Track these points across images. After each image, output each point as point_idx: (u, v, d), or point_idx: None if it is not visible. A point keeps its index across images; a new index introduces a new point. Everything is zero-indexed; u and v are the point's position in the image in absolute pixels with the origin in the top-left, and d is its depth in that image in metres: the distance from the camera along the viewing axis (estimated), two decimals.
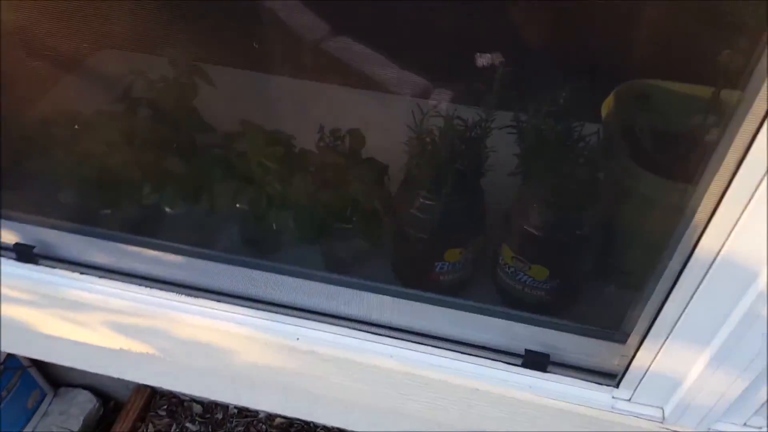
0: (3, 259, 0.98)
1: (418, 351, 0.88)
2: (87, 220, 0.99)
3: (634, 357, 0.79)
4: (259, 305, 0.92)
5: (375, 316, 0.89)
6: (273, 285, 0.92)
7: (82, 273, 0.96)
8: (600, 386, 0.84)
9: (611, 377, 0.84)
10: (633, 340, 0.79)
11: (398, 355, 0.88)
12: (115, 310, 0.95)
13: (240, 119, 0.95)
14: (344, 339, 0.90)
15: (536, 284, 0.84)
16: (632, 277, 0.77)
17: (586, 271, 0.84)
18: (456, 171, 0.77)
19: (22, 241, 0.97)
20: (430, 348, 0.87)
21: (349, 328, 0.90)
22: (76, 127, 0.90)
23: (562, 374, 0.85)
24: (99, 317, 0.97)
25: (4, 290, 0.98)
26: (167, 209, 0.95)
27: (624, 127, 0.76)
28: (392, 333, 0.89)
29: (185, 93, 0.97)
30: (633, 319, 0.78)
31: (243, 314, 0.93)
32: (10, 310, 1.00)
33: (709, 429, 0.81)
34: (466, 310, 0.85)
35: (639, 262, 0.74)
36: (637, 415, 0.83)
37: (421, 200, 0.81)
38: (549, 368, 0.84)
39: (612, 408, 0.84)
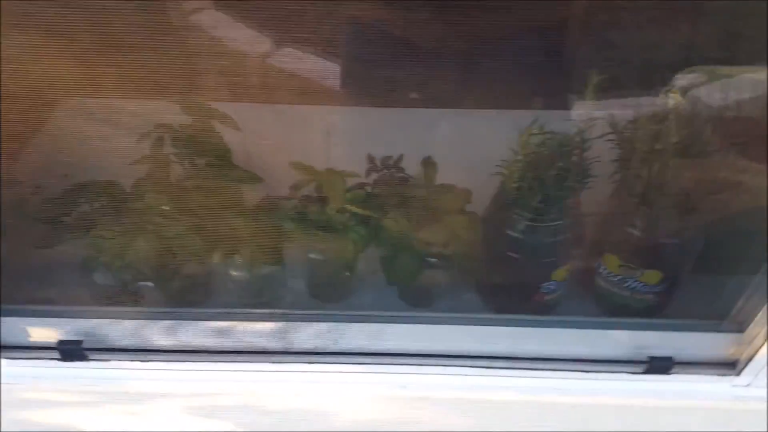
0: (43, 361, 0.85)
1: (535, 378, 0.84)
2: (131, 300, 0.88)
3: (759, 345, 0.78)
4: (354, 358, 0.85)
5: (484, 348, 0.84)
6: (361, 335, 0.86)
7: (143, 361, 0.85)
8: (720, 377, 0.84)
9: (730, 366, 0.83)
10: (755, 328, 0.79)
11: (515, 385, 0.84)
12: (189, 393, 0.85)
13: (288, 161, 0.86)
14: (454, 378, 0.85)
15: (646, 289, 0.82)
16: (747, 268, 0.76)
17: (696, 268, 0.83)
18: (563, 188, 0.73)
19: (66, 338, 0.84)
20: (547, 372, 0.84)
21: (458, 366, 0.85)
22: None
23: (682, 373, 0.84)
24: (171, 405, 0.86)
25: (50, 396, 0.85)
26: (233, 273, 0.85)
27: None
28: (506, 363, 0.84)
29: (216, 141, 0.87)
30: (754, 307, 0.78)
31: (337, 371, 0.85)
32: (60, 418, 0.88)
33: None
34: (579, 327, 0.82)
35: (755, 253, 0.74)
36: (758, 398, 0.84)
37: (527, 223, 0.76)
38: (671, 370, 0.83)
39: (733, 396, 0.84)
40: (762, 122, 0.78)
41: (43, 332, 0.85)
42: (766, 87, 0.77)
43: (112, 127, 0.86)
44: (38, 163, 0.81)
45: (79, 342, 0.84)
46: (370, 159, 0.88)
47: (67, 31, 0.73)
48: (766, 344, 0.79)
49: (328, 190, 0.78)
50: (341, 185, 0.78)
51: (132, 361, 0.85)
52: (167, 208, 0.78)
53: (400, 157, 0.89)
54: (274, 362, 0.86)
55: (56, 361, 0.85)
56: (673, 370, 0.83)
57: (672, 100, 0.73)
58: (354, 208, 0.77)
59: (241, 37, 0.83)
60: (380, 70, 0.86)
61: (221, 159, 0.86)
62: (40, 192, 0.80)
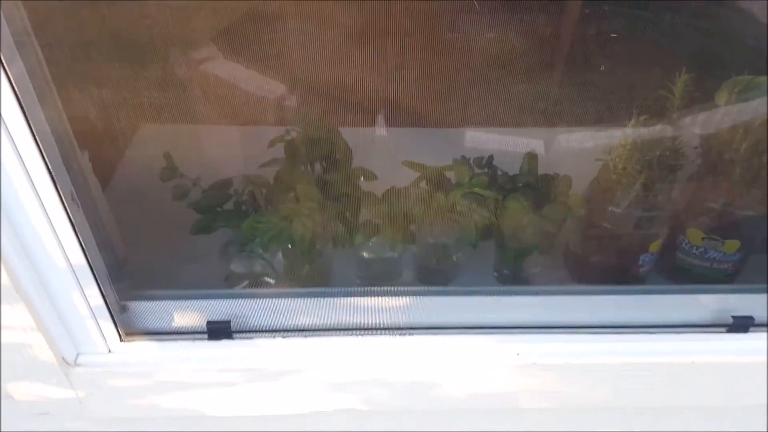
0: (189, 342, 0.92)
1: (632, 342, 0.95)
2: (270, 284, 0.96)
3: None
4: (471, 330, 0.95)
5: (588, 318, 0.95)
6: (478, 308, 0.96)
7: (284, 337, 0.93)
8: None
9: None
10: None
11: (617, 349, 0.95)
12: (321, 368, 0.93)
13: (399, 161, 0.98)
14: (563, 345, 0.95)
15: (725, 258, 0.95)
16: None
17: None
18: (668, 167, 0.86)
19: (213, 319, 0.91)
20: (643, 335, 0.95)
21: (566, 333, 0.95)
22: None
23: (758, 332, 0.96)
24: (308, 379, 0.94)
25: (194, 377, 0.92)
26: (365, 255, 0.95)
27: None
28: (608, 330, 0.95)
29: (343, 147, 0.98)
30: None
31: (458, 343, 0.95)
32: (203, 397, 0.94)
33: None
34: (670, 293, 0.95)
35: None
36: None
37: (632, 199, 0.89)
38: (750, 329, 0.95)
39: None
40: None
41: (190, 315, 0.92)
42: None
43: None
44: (198, 157, 0.91)
45: (228, 322, 0.92)
46: (464, 159, 1.01)
47: None
48: None
49: (458, 177, 0.89)
50: (467, 173, 0.90)
51: (274, 338, 0.93)
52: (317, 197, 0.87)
53: (491, 157, 1.02)
54: (400, 335, 0.94)
55: (203, 341, 0.92)
56: (752, 329, 0.96)
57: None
58: (481, 191, 0.88)
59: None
60: None
61: (347, 160, 0.97)
62: (198, 183, 0.89)
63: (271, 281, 0.95)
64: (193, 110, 0.95)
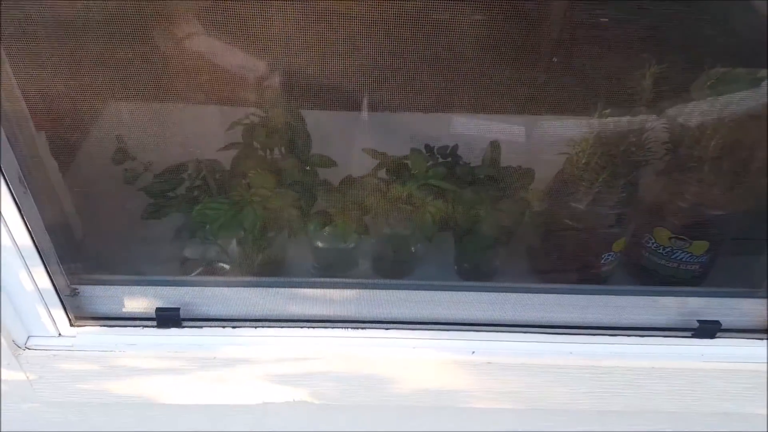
0: (138, 329, 0.91)
1: (593, 343, 0.92)
2: (225, 272, 0.95)
3: None
4: (428, 326, 0.93)
5: (546, 317, 0.92)
6: (433, 304, 0.93)
7: (234, 327, 0.91)
8: (759, 341, 0.93)
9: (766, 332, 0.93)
10: None
11: (577, 351, 0.92)
12: (273, 359, 0.92)
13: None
14: (519, 344, 0.92)
15: (693, 259, 0.91)
16: None
17: (736, 239, 0.93)
18: (632, 163, 0.83)
19: (163, 305, 0.90)
20: (605, 337, 0.92)
21: (524, 332, 0.92)
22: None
23: (725, 337, 0.93)
24: (257, 370, 0.92)
25: (143, 363, 0.91)
26: (319, 245, 0.93)
27: None
28: (566, 330, 0.92)
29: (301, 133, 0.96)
30: None
31: (412, 337, 0.92)
32: (152, 384, 0.93)
33: None
34: (634, 294, 0.91)
35: None
36: None
37: (596, 195, 0.86)
38: (716, 335, 0.92)
39: None
40: None
41: (140, 301, 0.91)
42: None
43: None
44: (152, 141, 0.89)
45: (176, 309, 0.90)
46: (428, 148, 0.98)
47: None
48: None
49: (413, 167, 0.86)
50: (424, 163, 0.87)
51: (223, 327, 0.91)
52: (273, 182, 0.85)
53: (456, 146, 0.98)
54: (354, 328, 0.92)
55: (152, 329, 0.91)
56: (719, 335, 0.92)
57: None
58: (437, 183, 0.86)
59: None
60: None
61: (305, 147, 0.95)
62: (151, 168, 0.87)
63: (226, 267, 0.93)
64: (157, 90, 0.93)
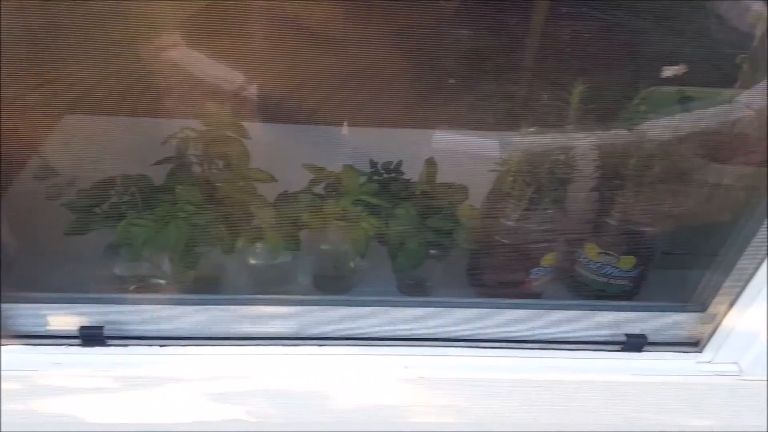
0: (63, 347, 0.88)
1: (525, 357, 0.93)
2: (154, 289, 0.93)
3: (720, 323, 0.90)
4: (360, 342, 0.92)
5: (479, 332, 0.93)
6: (367, 318, 0.93)
7: (162, 346, 0.90)
8: (686, 354, 0.95)
9: (694, 344, 0.95)
10: (715, 307, 0.91)
11: (508, 365, 0.92)
12: (202, 378, 0.90)
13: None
14: (452, 359, 0.92)
15: (621, 274, 0.93)
16: (708, 254, 0.88)
17: (662, 254, 0.95)
18: (557, 180, 0.84)
19: (88, 324, 0.88)
20: (536, 351, 0.93)
21: (455, 347, 0.93)
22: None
23: (654, 351, 0.94)
24: (185, 389, 0.90)
25: (68, 382, 0.88)
26: (252, 261, 0.92)
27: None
28: (498, 345, 0.93)
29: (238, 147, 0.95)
30: (713, 289, 0.90)
31: (346, 353, 0.92)
32: (76, 405, 0.90)
33: None
34: (564, 309, 0.92)
35: (715, 239, 0.86)
36: (719, 373, 0.95)
37: (522, 212, 0.87)
38: (643, 348, 0.94)
39: (698, 372, 0.95)
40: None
41: (64, 319, 0.88)
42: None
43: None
44: (73, 156, 0.87)
45: (101, 327, 0.88)
46: (372, 163, 0.98)
47: None
48: (723, 323, 0.91)
49: (345, 183, 0.86)
50: (357, 178, 0.87)
51: (150, 346, 0.89)
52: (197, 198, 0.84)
53: (400, 162, 0.99)
54: (285, 345, 0.91)
55: (77, 347, 0.88)
56: (646, 348, 0.94)
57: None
58: (368, 198, 0.85)
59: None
60: None
61: (241, 161, 0.94)
62: (74, 182, 0.85)
63: (155, 285, 0.91)
64: (96, 101, 0.92)
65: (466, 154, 1.03)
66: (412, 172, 0.96)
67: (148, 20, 0.87)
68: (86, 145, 0.99)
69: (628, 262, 0.92)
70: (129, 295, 0.89)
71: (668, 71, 0.76)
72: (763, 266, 0.82)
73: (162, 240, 0.82)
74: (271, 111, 1.05)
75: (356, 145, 1.09)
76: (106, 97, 0.92)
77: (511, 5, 0.89)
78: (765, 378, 0.95)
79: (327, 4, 0.89)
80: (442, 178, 0.95)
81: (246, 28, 0.90)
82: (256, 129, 1.02)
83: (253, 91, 1.03)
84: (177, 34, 0.93)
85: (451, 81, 0.91)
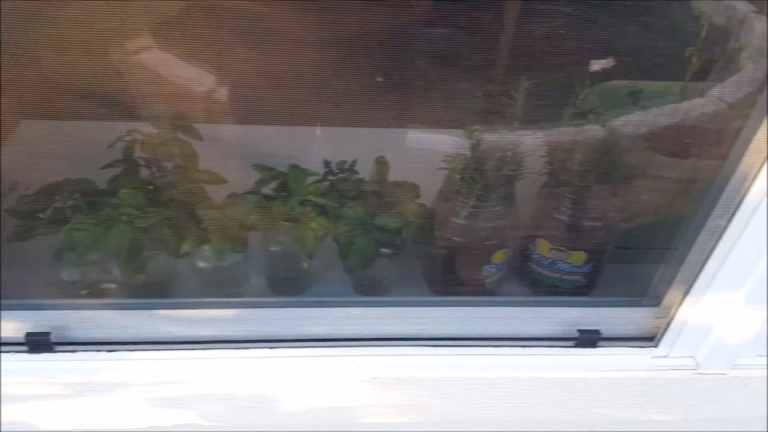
0: (10, 354, 0.87)
1: (479, 355, 0.92)
2: (101, 294, 0.92)
3: (673, 317, 0.90)
4: (313, 343, 0.92)
5: (433, 330, 0.92)
6: (319, 321, 0.92)
7: (110, 351, 0.89)
8: (641, 349, 0.94)
9: (649, 339, 0.94)
10: (668, 301, 0.90)
11: (463, 363, 0.92)
12: (152, 383, 0.89)
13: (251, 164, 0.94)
14: (405, 358, 0.92)
15: (574, 270, 0.92)
16: (660, 248, 0.88)
17: (615, 249, 0.95)
18: (503, 177, 0.84)
19: (34, 330, 0.87)
20: (490, 349, 0.92)
21: (409, 346, 0.92)
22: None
23: (608, 346, 0.94)
24: (135, 395, 0.89)
25: (16, 390, 0.87)
26: (200, 264, 0.91)
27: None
28: (452, 343, 0.92)
29: (186, 148, 0.94)
30: (667, 282, 0.89)
31: (298, 355, 0.91)
32: (25, 412, 0.89)
33: (734, 365, 0.94)
34: (517, 306, 0.92)
35: (666, 233, 0.86)
36: (675, 368, 0.95)
37: (471, 209, 0.86)
38: (598, 344, 0.93)
39: (654, 366, 0.94)
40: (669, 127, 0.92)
41: (9, 325, 0.87)
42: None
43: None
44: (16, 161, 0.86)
45: (47, 333, 0.87)
46: (326, 163, 0.97)
47: None
48: (676, 317, 0.90)
49: (293, 183, 0.85)
50: (304, 179, 0.86)
51: (98, 351, 0.88)
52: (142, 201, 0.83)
53: (354, 162, 0.98)
54: (236, 349, 0.90)
55: (24, 354, 0.87)
56: (600, 344, 0.93)
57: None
58: (316, 199, 0.85)
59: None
60: None
61: (189, 163, 0.93)
62: (16, 188, 0.84)
63: (104, 289, 0.90)
64: (46, 104, 0.91)
65: (427, 152, 1.02)
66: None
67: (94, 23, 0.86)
68: (37, 150, 0.98)
69: (579, 257, 0.91)
70: (76, 301, 0.88)
71: (596, 65, 0.75)
72: (711, 260, 0.82)
73: (104, 244, 0.81)
74: (238, 112, 1.05)
75: (320, 144, 1.08)
76: (55, 101, 0.92)
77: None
78: (721, 371, 0.95)
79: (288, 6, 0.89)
80: (405, 176, 0.94)
81: (210, 30, 0.89)
82: (221, 130, 1.02)
83: (219, 92, 1.02)
84: (133, 38, 0.93)
85: (378, 79, 0.90)
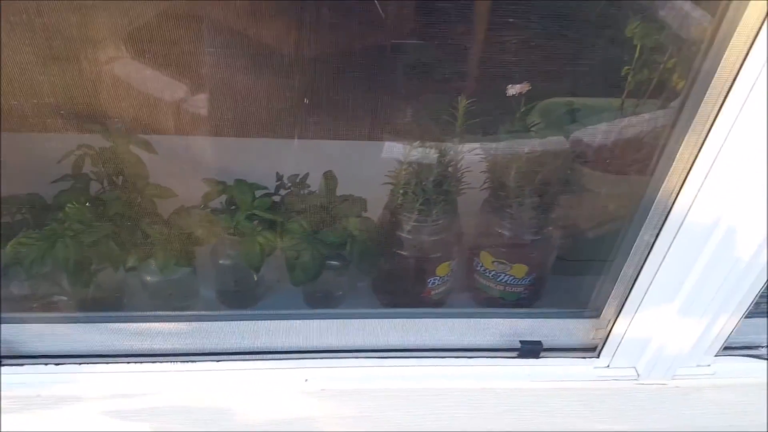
0: None
1: (425, 366, 0.94)
2: (50, 308, 0.93)
3: (612, 328, 0.92)
4: (259, 356, 0.93)
5: (380, 342, 0.94)
6: (265, 333, 0.93)
7: (57, 364, 0.89)
8: (584, 360, 0.97)
9: (591, 350, 0.97)
10: (607, 313, 0.93)
11: (408, 374, 0.93)
12: (101, 396, 0.90)
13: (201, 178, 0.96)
14: (353, 370, 0.93)
15: (516, 282, 0.95)
16: (599, 261, 0.90)
17: (556, 262, 0.97)
18: (444, 192, 0.86)
19: None
20: (436, 360, 0.94)
21: (356, 357, 0.93)
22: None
23: (551, 357, 0.96)
24: (84, 408, 0.90)
25: None
26: (148, 278, 0.92)
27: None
28: (399, 354, 0.94)
29: (135, 163, 0.95)
30: (605, 294, 0.92)
31: (244, 368, 0.92)
32: None
33: (674, 375, 0.97)
34: (462, 317, 0.94)
35: (605, 246, 0.88)
36: (617, 378, 0.97)
37: (414, 223, 0.88)
38: (540, 354, 0.95)
39: (596, 377, 0.96)
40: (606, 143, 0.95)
41: None
42: None
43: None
44: None
45: None
46: (278, 176, 0.99)
47: None
48: (615, 328, 0.92)
49: (238, 198, 0.87)
50: (250, 194, 0.88)
51: (46, 365, 0.89)
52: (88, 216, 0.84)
53: (306, 175, 1.00)
54: (183, 362, 0.92)
55: None
56: (543, 355, 0.95)
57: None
58: (261, 213, 0.86)
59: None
60: None
61: (139, 177, 0.94)
62: None
63: (53, 303, 0.91)
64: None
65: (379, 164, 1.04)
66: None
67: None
68: None
69: (520, 270, 0.93)
70: (23, 315, 0.89)
71: (512, 90, 0.78)
72: (643, 273, 0.84)
73: (50, 258, 0.82)
74: (198, 124, 1.06)
75: (279, 157, 1.09)
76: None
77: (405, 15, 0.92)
78: (662, 382, 0.97)
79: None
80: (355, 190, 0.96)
81: (169, 40, 0.90)
82: (184, 142, 1.02)
83: (180, 103, 1.03)
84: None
85: (306, 101, 0.92)
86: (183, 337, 0.92)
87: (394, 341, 0.94)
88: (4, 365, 0.88)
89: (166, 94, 0.99)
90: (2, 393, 0.88)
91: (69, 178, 0.93)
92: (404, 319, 0.94)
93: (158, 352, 0.91)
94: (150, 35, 0.90)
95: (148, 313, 0.92)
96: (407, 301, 0.97)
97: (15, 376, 0.88)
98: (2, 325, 0.88)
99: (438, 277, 0.94)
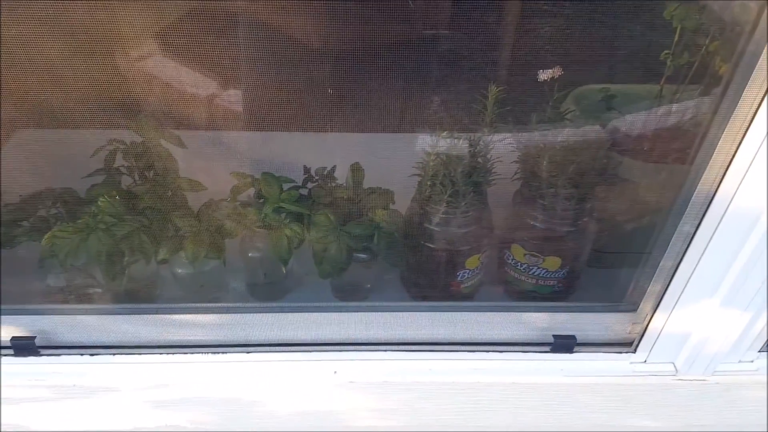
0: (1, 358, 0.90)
1: (454, 359, 0.93)
2: (85, 299, 0.95)
3: (649, 322, 0.89)
4: (288, 348, 0.93)
5: (408, 335, 0.93)
6: (295, 325, 0.93)
7: (92, 355, 0.91)
8: (619, 355, 0.94)
9: (627, 345, 0.94)
10: (645, 306, 0.89)
11: (436, 368, 0.92)
12: (134, 387, 0.91)
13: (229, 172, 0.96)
14: (381, 363, 0.92)
15: (549, 275, 0.92)
16: (636, 253, 0.87)
17: (591, 254, 0.94)
18: (473, 183, 0.84)
19: (19, 335, 0.90)
20: (465, 353, 0.93)
21: (384, 350, 0.93)
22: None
23: (585, 352, 0.93)
24: (118, 398, 0.92)
25: (7, 392, 0.90)
26: (179, 270, 0.93)
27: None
28: (428, 347, 0.93)
29: (166, 157, 0.96)
30: (642, 287, 0.89)
31: (275, 359, 0.93)
32: (17, 415, 0.92)
33: (715, 371, 0.93)
34: (493, 311, 0.92)
35: (642, 238, 0.85)
36: (654, 374, 0.94)
37: (442, 215, 0.87)
38: (574, 349, 0.93)
39: (632, 372, 0.93)
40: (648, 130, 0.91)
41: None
42: None
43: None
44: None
45: (33, 338, 0.90)
46: (306, 169, 0.98)
47: None
48: (653, 323, 0.89)
49: (265, 191, 0.87)
50: (277, 187, 0.88)
51: (81, 355, 0.91)
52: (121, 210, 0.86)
53: (333, 168, 0.99)
54: (213, 353, 0.92)
55: (11, 357, 0.90)
56: (577, 349, 0.93)
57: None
58: (288, 206, 0.86)
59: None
60: None
61: (169, 171, 0.95)
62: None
63: (90, 295, 0.93)
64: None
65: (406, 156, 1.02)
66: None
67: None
68: (33, 159, 1.01)
69: (553, 262, 0.91)
70: (61, 306, 0.91)
71: (543, 75, 0.75)
72: (683, 265, 0.81)
73: (84, 251, 0.84)
74: (245, 118, 1.06)
75: (309, 150, 1.09)
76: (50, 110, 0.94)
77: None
78: (702, 378, 0.94)
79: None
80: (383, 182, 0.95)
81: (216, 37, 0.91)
82: (213, 136, 1.03)
83: (224, 99, 1.03)
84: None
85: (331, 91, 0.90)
86: (213, 329, 0.92)
87: (423, 334, 0.93)
88: (42, 355, 0.90)
89: (194, 89, 0.99)
90: (40, 382, 0.90)
91: (101, 173, 0.95)
92: (433, 312, 0.92)
93: (189, 344, 0.92)
94: (178, 31, 0.90)
95: (179, 305, 0.93)
96: (436, 294, 0.95)
97: (52, 365, 0.91)
98: (40, 317, 0.90)
99: (468, 270, 0.92)
